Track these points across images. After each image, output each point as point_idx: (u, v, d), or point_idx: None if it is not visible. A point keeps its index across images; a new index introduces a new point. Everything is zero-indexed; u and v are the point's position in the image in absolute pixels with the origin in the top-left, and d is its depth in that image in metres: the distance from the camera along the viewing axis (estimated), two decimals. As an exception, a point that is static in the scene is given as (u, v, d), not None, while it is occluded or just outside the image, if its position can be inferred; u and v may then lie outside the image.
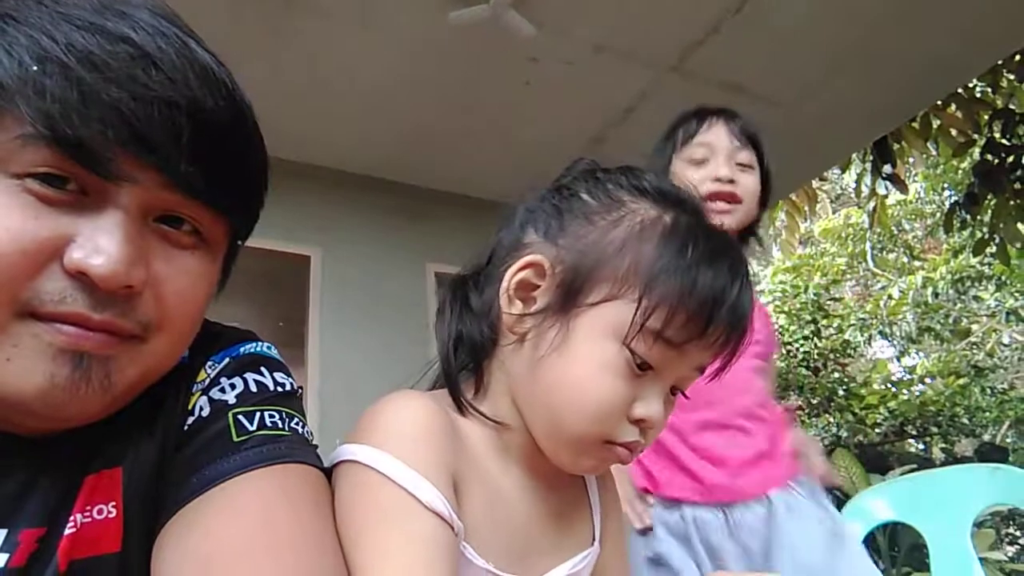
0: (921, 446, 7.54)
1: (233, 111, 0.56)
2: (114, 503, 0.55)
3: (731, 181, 1.49)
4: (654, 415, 0.65)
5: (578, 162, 0.77)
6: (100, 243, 0.49)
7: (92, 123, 0.48)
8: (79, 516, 0.54)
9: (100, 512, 0.55)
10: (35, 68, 0.47)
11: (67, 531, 0.53)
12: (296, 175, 3.49)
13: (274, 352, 0.69)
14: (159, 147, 0.50)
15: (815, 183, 6.03)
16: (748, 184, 1.53)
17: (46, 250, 0.49)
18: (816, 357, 7.61)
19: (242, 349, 0.66)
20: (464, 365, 0.72)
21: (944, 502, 1.39)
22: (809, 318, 7.91)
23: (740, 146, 1.56)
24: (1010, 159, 4.64)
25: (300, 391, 0.68)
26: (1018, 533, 6.36)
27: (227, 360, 0.64)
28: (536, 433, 0.68)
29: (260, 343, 0.69)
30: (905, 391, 8.04)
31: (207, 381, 0.63)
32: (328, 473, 0.62)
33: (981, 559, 1.35)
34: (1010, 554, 5.79)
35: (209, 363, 0.64)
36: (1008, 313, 9.27)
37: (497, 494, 0.68)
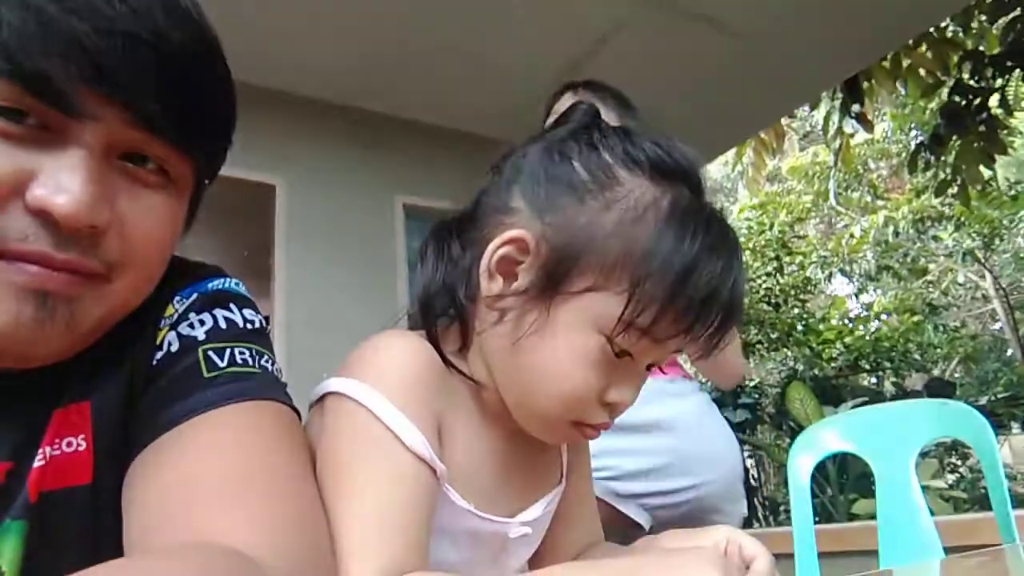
0: (874, 380, 7.84)
1: (200, 45, 0.54)
2: (83, 436, 0.55)
3: None
4: (627, 400, 0.65)
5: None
6: (62, 181, 0.48)
7: (52, 56, 0.46)
8: (48, 449, 0.54)
9: (69, 445, 0.55)
10: None
11: (36, 464, 0.53)
12: (258, 100, 3.37)
13: (242, 288, 0.68)
14: (122, 83, 0.48)
15: (784, 120, 6.03)
16: None
17: (6, 187, 0.47)
18: (778, 293, 7.78)
19: (210, 285, 0.66)
20: (443, 312, 0.70)
21: (892, 435, 1.45)
22: (773, 255, 8.05)
23: None
24: (977, 101, 4.68)
25: (268, 329, 0.68)
26: (959, 463, 6.71)
27: (195, 295, 0.64)
28: (508, 402, 0.68)
29: (228, 279, 0.68)
30: (861, 327, 8.29)
31: (175, 316, 0.62)
32: (296, 410, 0.62)
33: (923, 487, 1.42)
34: (950, 482, 6.11)
35: (177, 298, 0.63)
36: (964, 253, 9.53)
37: (477, 439, 0.69)
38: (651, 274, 0.59)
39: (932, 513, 1.37)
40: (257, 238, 3.73)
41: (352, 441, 0.59)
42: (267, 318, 3.41)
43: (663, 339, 0.61)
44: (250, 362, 0.60)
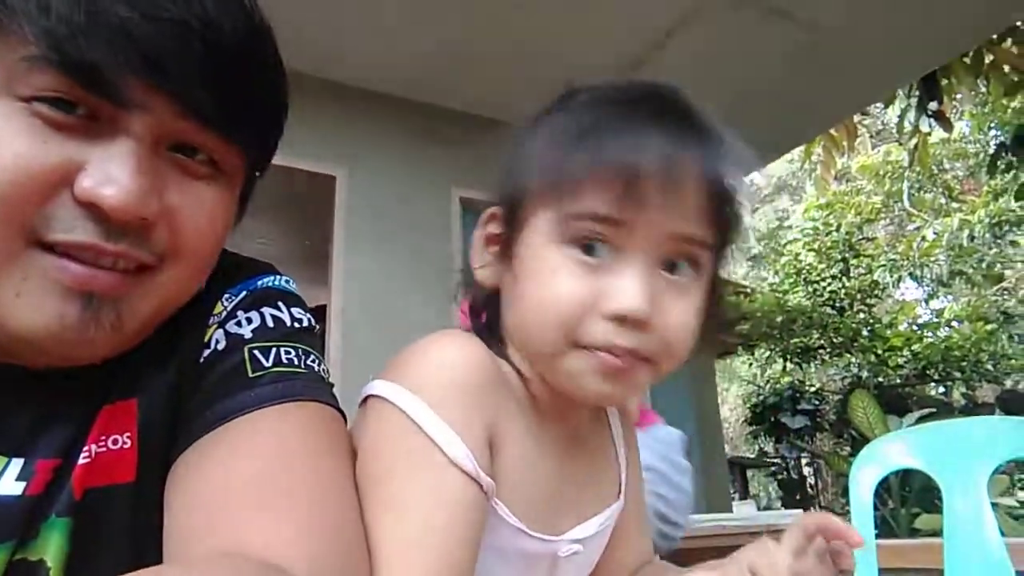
0: (942, 390, 7.53)
1: (251, 33, 0.53)
2: (128, 434, 0.55)
3: None
4: (627, 303, 0.56)
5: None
6: (111, 172, 0.47)
7: (100, 45, 0.45)
8: (94, 446, 0.54)
9: (115, 442, 0.54)
10: None
11: (81, 460, 0.53)
12: (323, 93, 3.42)
13: (292, 286, 0.67)
14: (171, 72, 0.48)
15: (856, 117, 5.81)
16: None
17: (55, 176, 0.47)
18: (843, 296, 7.54)
19: (260, 282, 0.65)
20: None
21: (964, 453, 1.37)
22: (839, 257, 7.80)
23: None
24: (1065, 100, 4.43)
25: (317, 327, 0.67)
26: (1032, 479, 6.38)
27: (244, 293, 0.63)
28: (534, 367, 0.65)
29: (278, 276, 0.67)
30: (930, 334, 7.97)
31: (224, 314, 0.61)
32: (342, 411, 0.61)
33: (992, 504, 1.34)
34: (1022, 499, 5.83)
35: (226, 295, 0.62)
36: (1045, 260, 9.05)
37: (531, 448, 0.65)
38: (553, 153, 0.59)
39: (1003, 534, 1.29)
40: (318, 227, 3.80)
41: (391, 451, 0.56)
42: (324, 307, 3.47)
43: (623, 219, 0.57)
44: (296, 362, 0.59)
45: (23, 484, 0.50)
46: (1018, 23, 4.15)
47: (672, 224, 0.57)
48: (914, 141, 5.89)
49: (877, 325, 7.49)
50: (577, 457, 0.69)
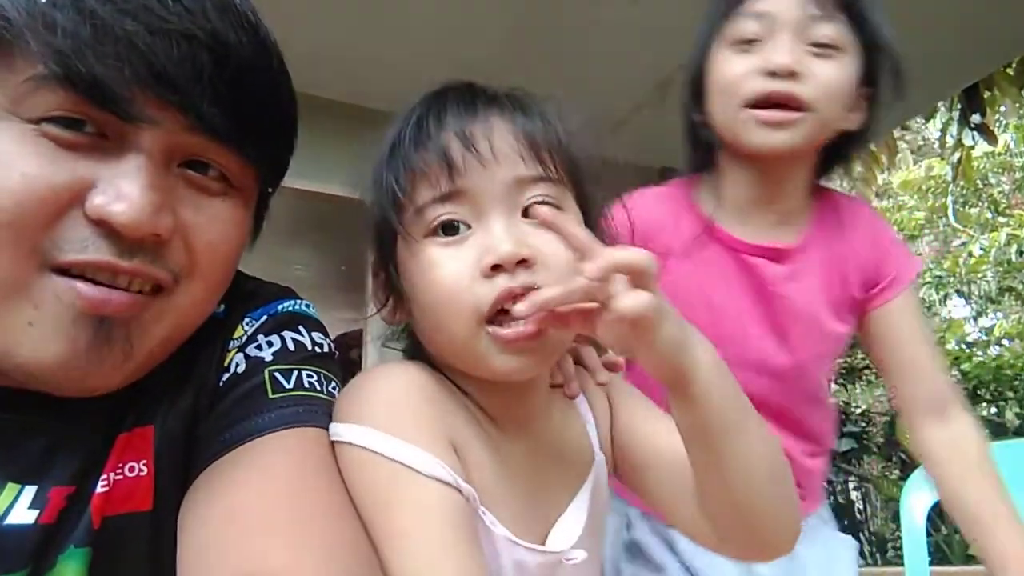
0: (994, 410, 7.26)
1: (257, 47, 0.53)
2: (145, 461, 0.55)
3: (792, 74, 0.94)
4: (496, 253, 0.58)
5: None
6: (122, 188, 0.47)
7: (107, 60, 0.45)
8: (111, 474, 0.53)
9: (131, 470, 0.54)
10: (44, 0, 0.44)
11: (99, 489, 0.52)
12: (356, 119, 3.48)
13: (313, 311, 0.67)
14: (179, 85, 0.47)
15: (895, 132, 5.71)
16: (824, 76, 0.96)
17: (64, 196, 0.46)
18: (887, 315, 7.34)
19: (280, 307, 0.65)
20: None
21: (1020, 475, 1.32)
22: (882, 274, 7.61)
23: (819, 15, 0.97)
24: (1116, 109, 4.29)
25: (336, 354, 0.66)
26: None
27: (265, 317, 0.63)
28: (455, 364, 0.65)
29: (299, 301, 0.67)
30: (980, 353, 7.72)
31: (244, 338, 0.61)
32: None
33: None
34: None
35: (247, 319, 0.62)
36: (1099, 275, 8.74)
37: (495, 459, 0.65)
38: (386, 166, 0.64)
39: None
40: (354, 252, 3.83)
41: (370, 488, 0.56)
42: (361, 332, 3.48)
43: (455, 187, 0.60)
44: (317, 387, 0.58)
45: (36, 512, 0.49)
46: (1063, 32, 4.04)
47: (502, 175, 0.60)
48: (957, 155, 5.76)
49: (924, 344, 7.26)
50: (542, 446, 0.70)
